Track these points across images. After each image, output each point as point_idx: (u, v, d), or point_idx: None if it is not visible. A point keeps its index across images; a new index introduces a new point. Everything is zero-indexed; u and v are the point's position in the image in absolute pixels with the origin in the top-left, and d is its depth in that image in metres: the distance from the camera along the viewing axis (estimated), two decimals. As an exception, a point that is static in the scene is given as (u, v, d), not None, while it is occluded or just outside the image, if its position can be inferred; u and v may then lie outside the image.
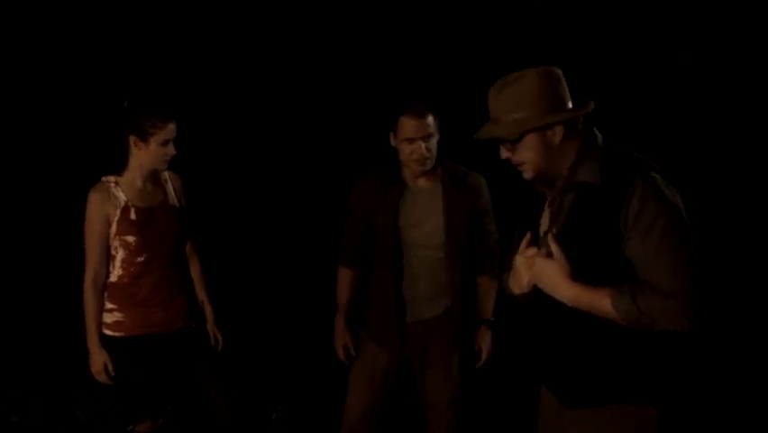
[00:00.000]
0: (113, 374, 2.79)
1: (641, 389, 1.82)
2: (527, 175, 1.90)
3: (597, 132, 1.90)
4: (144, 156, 2.73)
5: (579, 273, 1.76)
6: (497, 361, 2.95)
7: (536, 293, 1.90)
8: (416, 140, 2.67)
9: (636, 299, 1.68)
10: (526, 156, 1.86)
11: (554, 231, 1.85)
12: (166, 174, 2.88)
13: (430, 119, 2.68)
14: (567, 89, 1.88)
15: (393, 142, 2.76)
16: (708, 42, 4.63)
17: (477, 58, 4.68)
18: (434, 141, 2.70)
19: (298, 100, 5.10)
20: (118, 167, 2.77)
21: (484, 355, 2.89)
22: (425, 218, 2.79)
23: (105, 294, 2.80)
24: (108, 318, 2.80)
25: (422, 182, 2.81)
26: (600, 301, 1.73)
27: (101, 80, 4.76)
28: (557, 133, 1.83)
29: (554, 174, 1.89)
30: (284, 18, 5.03)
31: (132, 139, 2.71)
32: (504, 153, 1.90)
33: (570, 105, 1.87)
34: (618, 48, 4.57)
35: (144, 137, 2.69)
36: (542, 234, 1.95)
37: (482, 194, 2.86)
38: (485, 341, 2.89)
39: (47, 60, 4.86)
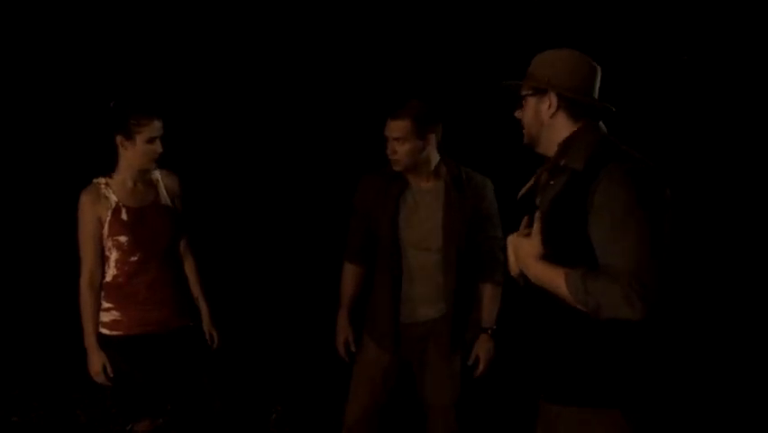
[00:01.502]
0: (111, 375, 2.79)
1: (610, 394, 1.81)
2: (524, 140, 2.01)
3: (602, 126, 1.94)
4: (132, 155, 2.74)
5: (557, 257, 1.79)
6: (498, 362, 2.93)
7: (525, 281, 1.93)
8: (389, 139, 2.74)
9: (586, 279, 1.69)
10: (525, 118, 1.98)
11: (540, 211, 1.89)
12: (157, 173, 2.88)
13: (403, 123, 2.69)
14: (595, 85, 1.95)
15: None
16: (708, 42, 4.63)
17: (477, 58, 4.68)
18: (406, 146, 2.71)
19: (296, 97, 5.10)
20: (109, 168, 2.78)
21: (482, 366, 2.87)
22: (423, 219, 2.79)
23: (102, 294, 2.81)
24: (105, 318, 2.80)
25: (424, 183, 2.81)
26: (557, 280, 1.75)
27: (95, 82, 4.75)
28: (552, 105, 1.91)
29: (544, 147, 1.96)
30: (284, 17, 5.03)
31: (118, 139, 2.72)
32: (516, 112, 2.01)
33: (589, 97, 1.92)
34: (618, 48, 4.57)
35: (130, 136, 2.70)
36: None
37: (486, 197, 2.84)
38: (484, 350, 2.86)
39: (39, 64, 4.86)
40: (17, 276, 4.85)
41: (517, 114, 2.00)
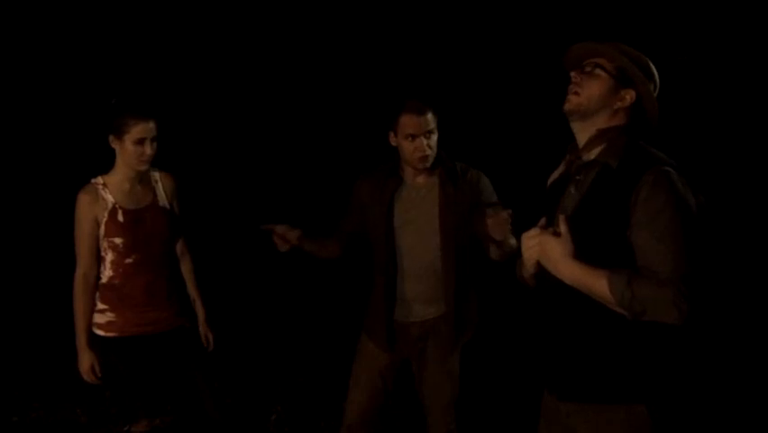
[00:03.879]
0: (99, 375, 2.78)
1: (635, 390, 1.81)
2: (569, 105, 1.91)
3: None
4: (123, 156, 2.73)
5: (585, 255, 1.77)
6: (497, 361, 2.94)
7: (542, 280, 1.91)
8: (418, 136, 2.66)
9: (632, 283, 1.69)
10: (588, 89, 1.89)
11: (567, 210, 1.87)
12: (156, 175, 2.87)
13: (430, 115, 2.68)
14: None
15: (393, 142, 2.74)
16: (706, 43, 4.64)
17: (476, 58, 4.69)
18: (434, 138, 2.70)
19: (294, 99, 5.11)
20: (107, 168, 2.78)
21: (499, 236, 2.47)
22: (420, 215, 2.77)
23: (97, 295, 2.80)
24: (100, 319, 2.80)
25: (420, 179, 2.79)
26: (597, 281, 1.73)
27: (95, 82, 4.76)
28: (626, 100, 1.88)
29: (586, 126, 1.91)
30: (283, 17, 5.04)
31: (110, 138, 2.71)
32: (574, 74, 1.92)
33: (657, 111, 1.91)
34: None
35: (120, 136, 2.69)
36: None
37: (482, 191, 2.80)
38: (497, 223, 2.44)
39: (39, 64, 4.87)
40: (17, 276, 4.86)
41: (575, 76, 1.91)
